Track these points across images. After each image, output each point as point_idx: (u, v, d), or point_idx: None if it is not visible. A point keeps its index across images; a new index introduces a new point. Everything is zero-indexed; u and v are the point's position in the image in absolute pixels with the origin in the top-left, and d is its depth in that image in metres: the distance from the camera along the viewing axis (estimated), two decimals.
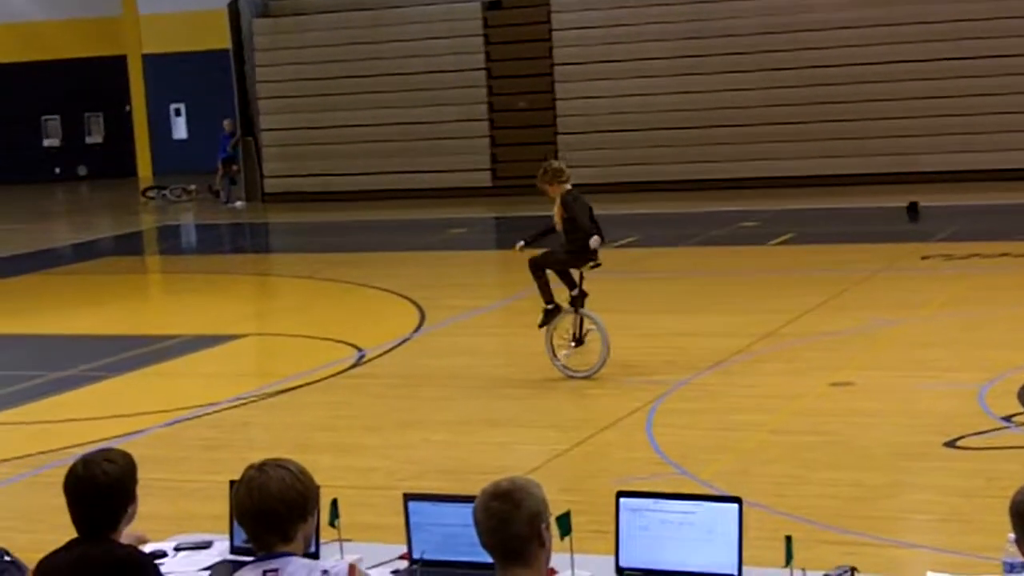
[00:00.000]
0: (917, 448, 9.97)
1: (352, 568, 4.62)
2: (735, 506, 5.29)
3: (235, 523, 5.92)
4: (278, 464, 4.64)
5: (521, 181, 30.03)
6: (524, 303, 17.32)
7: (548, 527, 4.41)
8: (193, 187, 34.44)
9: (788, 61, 28.34)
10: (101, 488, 4.96)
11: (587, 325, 12.97)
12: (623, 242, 21.89)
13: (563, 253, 12.75)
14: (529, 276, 12.81)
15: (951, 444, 9.93)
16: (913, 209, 23.53)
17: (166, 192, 34.58)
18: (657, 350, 13.89)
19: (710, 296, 16.97)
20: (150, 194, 34.87)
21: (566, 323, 13.00)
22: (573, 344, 12.98)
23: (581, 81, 29.82)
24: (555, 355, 12.98)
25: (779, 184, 27.74)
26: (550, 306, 12.89)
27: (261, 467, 4.63)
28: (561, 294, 12.92)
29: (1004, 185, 25.79)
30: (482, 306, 17.33)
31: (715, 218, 24.43)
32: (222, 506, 6.08)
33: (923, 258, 18.62)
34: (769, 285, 17.44)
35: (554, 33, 30.05)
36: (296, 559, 4.60)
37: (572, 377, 12.78)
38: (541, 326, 13.04)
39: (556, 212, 12.62)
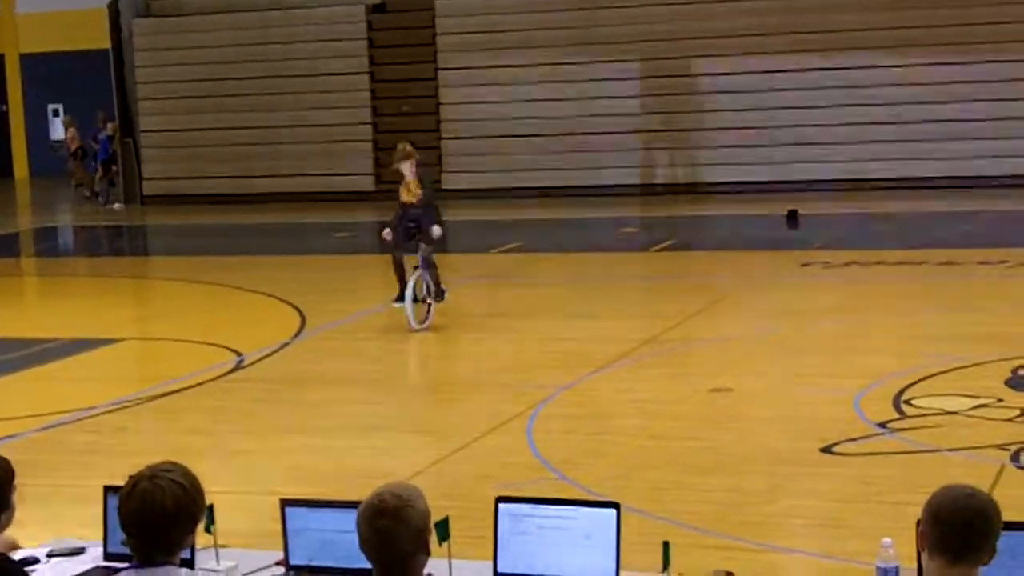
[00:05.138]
0: (794, 454, 10.07)
1: None
2: (613, 511, 5.30)
3: (109, 529, 5.83)
4: (171, 477, 4.47)
5: None
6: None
7: (430, 535, 4.41)
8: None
9: (665, 69, 28.53)
10: None
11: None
12: (506, 247, 21.91)
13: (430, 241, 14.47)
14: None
15: (828, 450, 10.04)
16: (793, 217, 23.80)
17: None
18: (539, 355, 13.91)
19: (593, 301, 17.02)
20: None
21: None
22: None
23: (464, 86, 29.81)
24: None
25: (655, 192, 28.02)
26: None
27: (152, 478, 4.45)
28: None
29: (866, 195, 26.20)
30: (363, 310, 17.25)
31: (597, 224, 24.52)
32: (97, 512, 5.99)
33: (802, 265, 18.83)
34: (651, 291, 17.55)
35: (438, 38, 30.02)
36: (173, 570, 4.52)
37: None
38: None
39: (409, 187, 13.43)
